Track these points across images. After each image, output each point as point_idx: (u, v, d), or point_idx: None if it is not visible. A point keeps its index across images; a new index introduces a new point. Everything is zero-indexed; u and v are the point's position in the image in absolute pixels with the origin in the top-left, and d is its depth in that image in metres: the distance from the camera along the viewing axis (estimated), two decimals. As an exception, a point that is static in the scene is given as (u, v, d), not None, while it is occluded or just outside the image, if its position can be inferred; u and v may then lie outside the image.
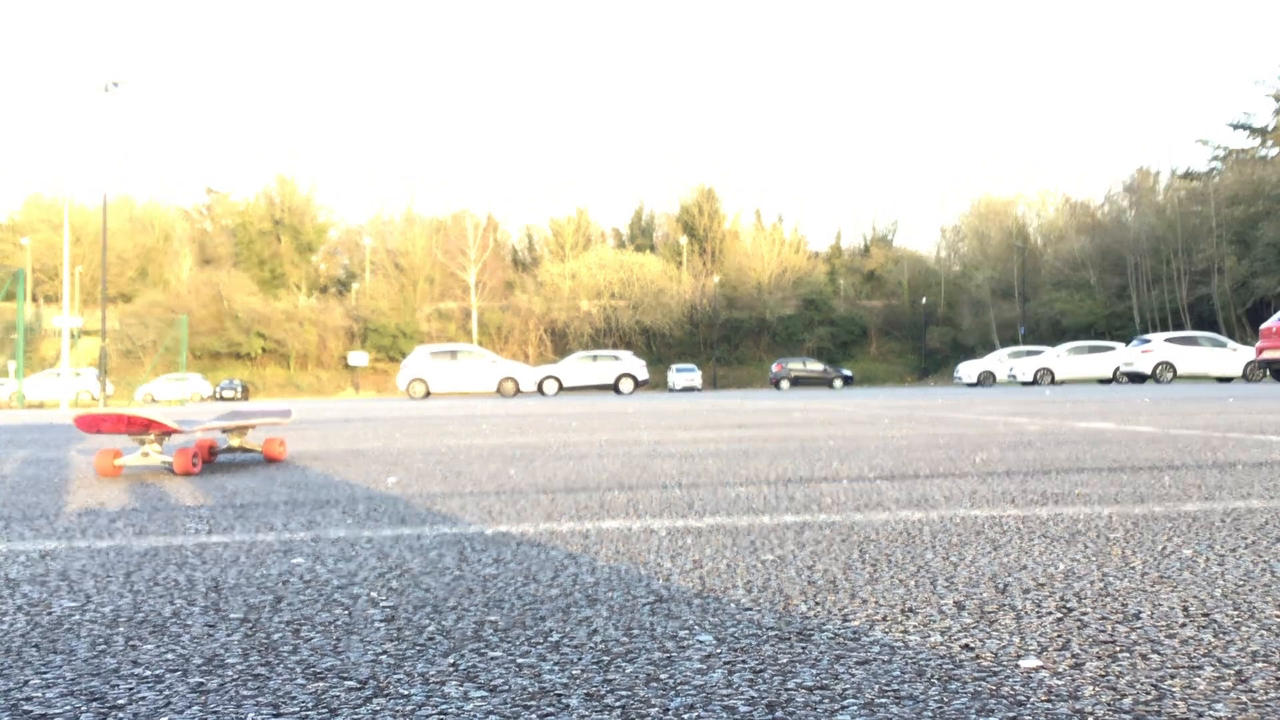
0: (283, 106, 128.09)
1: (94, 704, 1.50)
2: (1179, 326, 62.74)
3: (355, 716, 1.42)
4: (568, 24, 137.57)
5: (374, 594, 2.22)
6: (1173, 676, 1.52)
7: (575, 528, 3.13)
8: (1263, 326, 21.35)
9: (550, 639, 1.81)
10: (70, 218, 57.00)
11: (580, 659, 1.68)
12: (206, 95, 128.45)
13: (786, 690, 1.49)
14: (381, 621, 1.97)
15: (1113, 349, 39.22)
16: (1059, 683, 1.50)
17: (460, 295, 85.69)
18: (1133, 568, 2.35)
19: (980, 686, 1.49)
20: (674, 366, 64.32)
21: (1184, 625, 1.82)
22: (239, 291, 79.05)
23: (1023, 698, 1.44)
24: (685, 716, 1.39)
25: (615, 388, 36.86)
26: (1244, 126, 72.19)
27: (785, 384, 51.95)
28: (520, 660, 1.68)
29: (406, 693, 1.52)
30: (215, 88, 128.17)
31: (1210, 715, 1.36)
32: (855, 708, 1.41)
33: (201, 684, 1.59)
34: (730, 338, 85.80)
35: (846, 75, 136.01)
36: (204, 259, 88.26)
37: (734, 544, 2.76)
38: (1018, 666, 1.59)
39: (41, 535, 3.22)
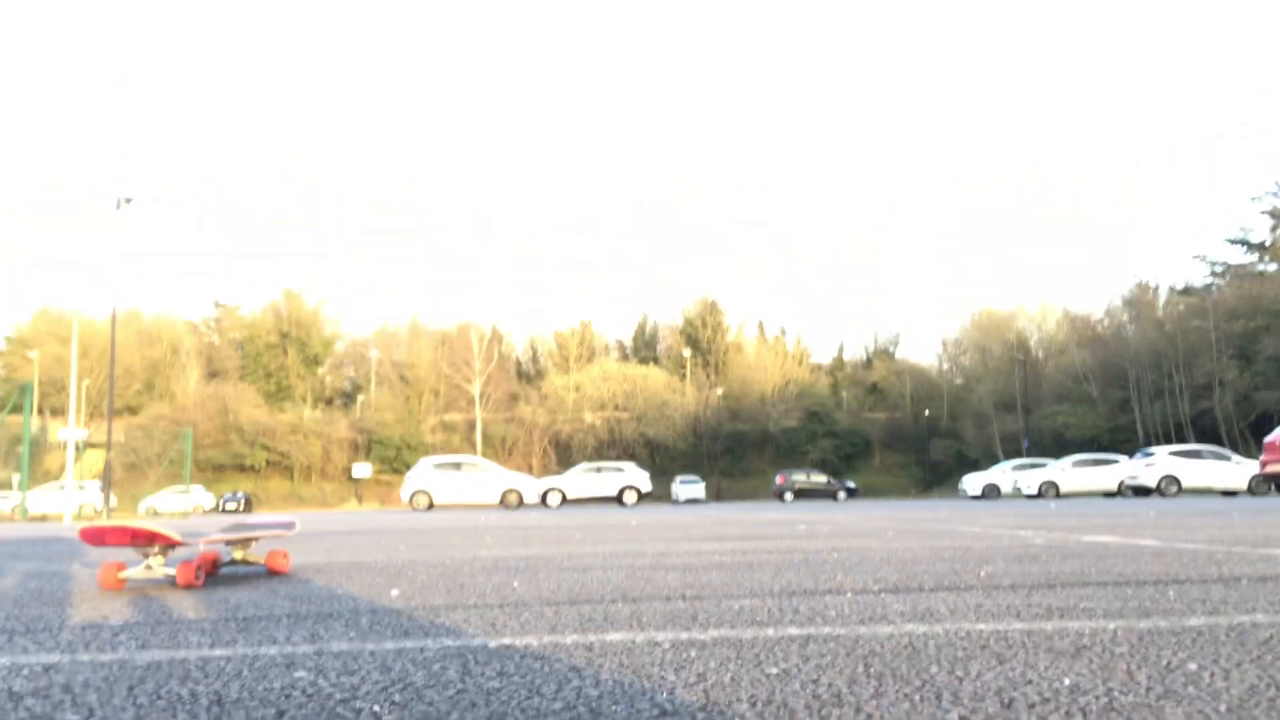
0: (291, 221, 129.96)
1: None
2: (1182, 439, 62.54)
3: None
4: (571, 137, 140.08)
5: (377, 708, 2.22)
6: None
7: (579, 640, 3.12)
8: (1267, 440, 21.29)
9: (554, 752, 1.81)
10: (79, 331, 57.49)
11: (584, 772, 1.68)
12: (216, 210, 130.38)
13: (790, 804, 1.49)
14: (385, 735, 1.96)
15: (1116, 461, 39.15)
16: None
17: (465, 407, 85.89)
18: (1138, 682, 2.34)
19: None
20: (678, 478, 64.18)
21: (1188, 739, 1.82)
22: (244, 404, 79.32)
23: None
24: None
25: (619, 499, 36.80)
26: (1242, 242, 73.01)
27: (789, 496, 51.70)
28: (524, 773, 1.68)
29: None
30: (224, 203, 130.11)
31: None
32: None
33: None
34: (734, 449, 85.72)
35: (846, 187, 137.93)
36: (211, 372, 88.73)
37: (738, 657, 2.75)
38: (1021, 780, 1.59)
39: (45, 648, 3.22)
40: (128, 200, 35.30)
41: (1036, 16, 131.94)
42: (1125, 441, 66.06)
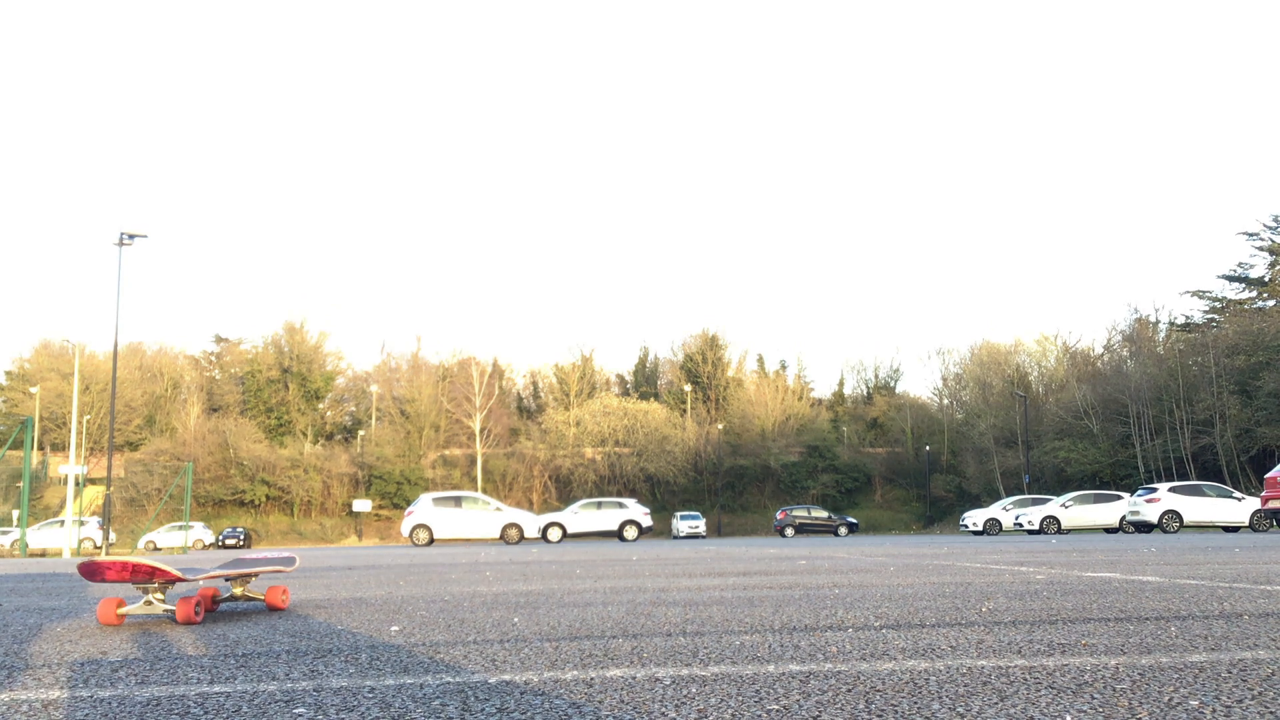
0: (292, 255, 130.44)
1: None
2: (1183, 475, 62.40)
3: None
4: (573, 173, 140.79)
5: (377, 744, 2.22)
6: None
7: (579, 676, 3.12)
8: (1268, 476, 21.31)
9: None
10: (80, 365, 57.55)
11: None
12: (217, 245, 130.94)
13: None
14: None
15: (1119, 498, 39.09)
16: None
17: (465, 442, 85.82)
18: (1140, 719, 2.34)
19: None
20: (678, 514, 64.07)
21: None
22: (245, 439, 79.24)
23: None
24: None
25: (620, 535, 36.76)
26: (1240, 279, 73.26)
27: (790, 531, 51.61)
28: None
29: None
30: (226, 237, 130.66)
31: None
32: None
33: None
34: (735, 485, 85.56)
35: (845, 221, 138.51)
36: (211, 406, 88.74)
37: (739, 693, 2.75)
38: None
39: (44, 685, 3.21)
40: (130, 237, 35.43)
41: (1042, 30, 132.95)
42: (1126, 477, 65.93)
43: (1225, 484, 49.40)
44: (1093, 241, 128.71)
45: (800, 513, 53.64)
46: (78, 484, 46.50)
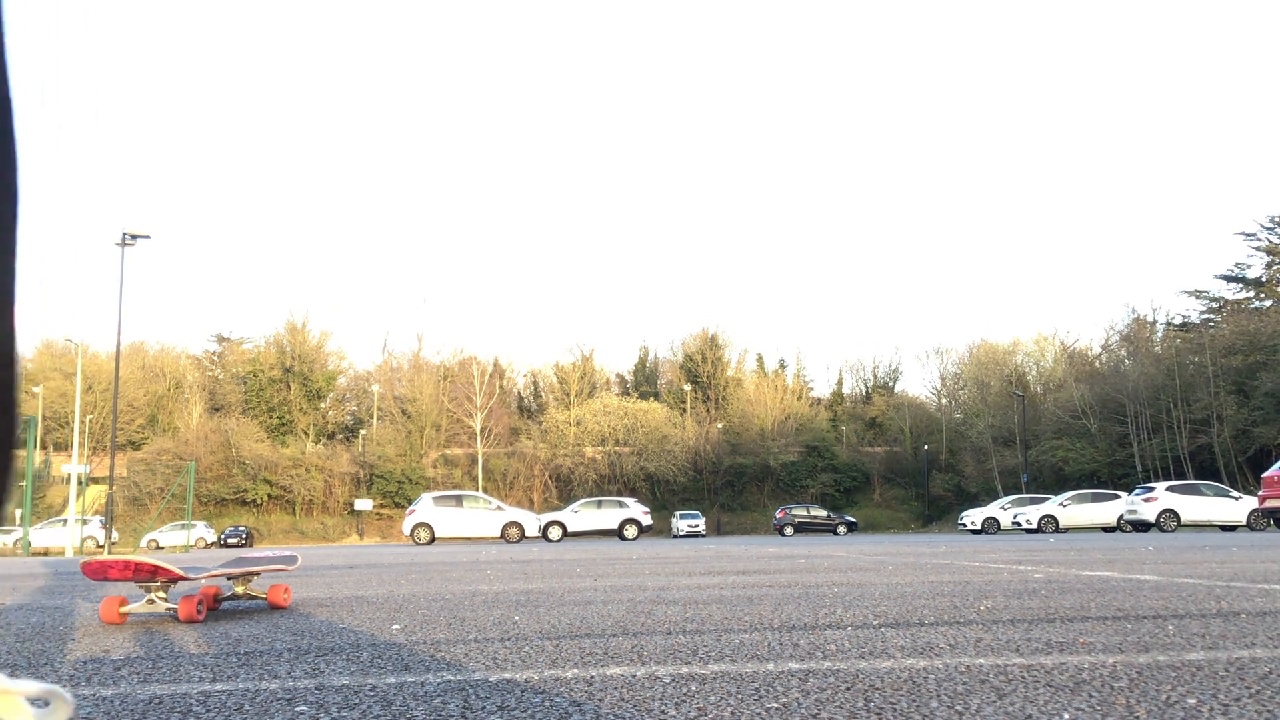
0: (294, 255, 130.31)
1: None
2: (1180, 474, 62.35)
3: None
4: (573, 173, 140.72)
5: (380, 741, 2.23)
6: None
7: (580, 674, 3.13)
8: (1265, 475, 21.31)
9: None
10: (82, 365, 57.50)
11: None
12: (219, 244, 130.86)
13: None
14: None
15: (1117, 497, 39.13)
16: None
17: (466, 441, 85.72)
18: (1137, 717, 2.35)
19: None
20: (678, 512, 64.08)
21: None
22: (247, 439, 79.16)
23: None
24: None
25: (620, 534, 36.80)
26: (1237, 279, 73.29)
27: (789, 530, 51.61)
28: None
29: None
30: (228, 237, 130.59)
31: None
32: None
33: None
34: (734, 484, 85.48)
35: (844, 222, 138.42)
36: (213, 406, 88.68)
37: (738, 691, 2.76)
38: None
39: (46, 683, 3.22)
40: (133, 238, 35.41)
41: (1042, 31, 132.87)
42: (1124, 476, 65.88)
43: (1222, 483, 49.39)
44: (1091, 242, 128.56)
45: (799, 512, 53.67)
46: (80, 483, 46.46)
